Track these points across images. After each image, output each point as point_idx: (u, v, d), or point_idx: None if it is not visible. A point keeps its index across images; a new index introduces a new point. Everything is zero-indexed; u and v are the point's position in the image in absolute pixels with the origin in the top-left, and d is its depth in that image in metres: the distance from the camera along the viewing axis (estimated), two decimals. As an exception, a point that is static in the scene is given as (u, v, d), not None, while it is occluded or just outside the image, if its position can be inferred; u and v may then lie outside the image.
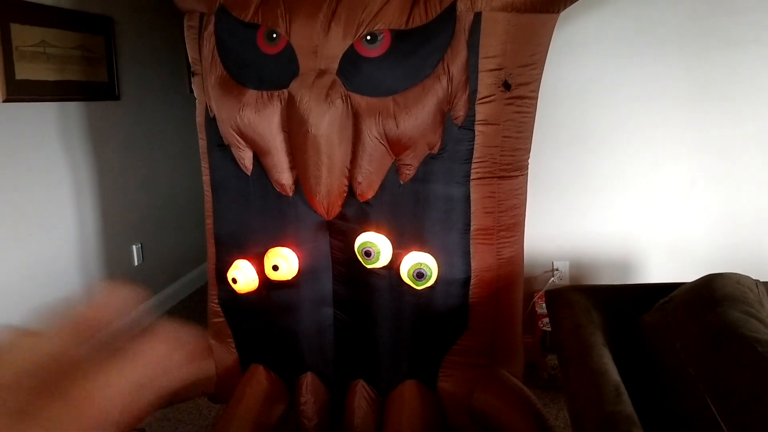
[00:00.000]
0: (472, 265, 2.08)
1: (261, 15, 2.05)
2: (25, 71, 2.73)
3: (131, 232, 3.64)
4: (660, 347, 1.70)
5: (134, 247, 3.65)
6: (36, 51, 2.81)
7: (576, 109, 2.75)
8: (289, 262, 2.14)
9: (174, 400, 2.35)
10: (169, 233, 4.07)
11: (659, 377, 1.64)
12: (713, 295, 1.66)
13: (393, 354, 2.18)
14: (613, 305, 1.94)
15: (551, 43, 2.07)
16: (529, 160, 2.18)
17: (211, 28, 2.13)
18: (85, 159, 3.21)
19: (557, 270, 2.90)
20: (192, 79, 2.30)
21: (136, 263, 3.67)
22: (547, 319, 2.66)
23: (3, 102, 2.63)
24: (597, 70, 2.70)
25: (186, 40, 2.28)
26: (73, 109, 3.10)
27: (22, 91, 2.73)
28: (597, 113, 2.74)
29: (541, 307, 2.77)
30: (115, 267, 3.48)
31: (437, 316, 2.11)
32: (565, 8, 1.99)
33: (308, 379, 2.26)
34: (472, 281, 2.09)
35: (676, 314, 1.71)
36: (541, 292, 2.82)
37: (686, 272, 2.23)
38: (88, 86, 3.20)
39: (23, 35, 2.72)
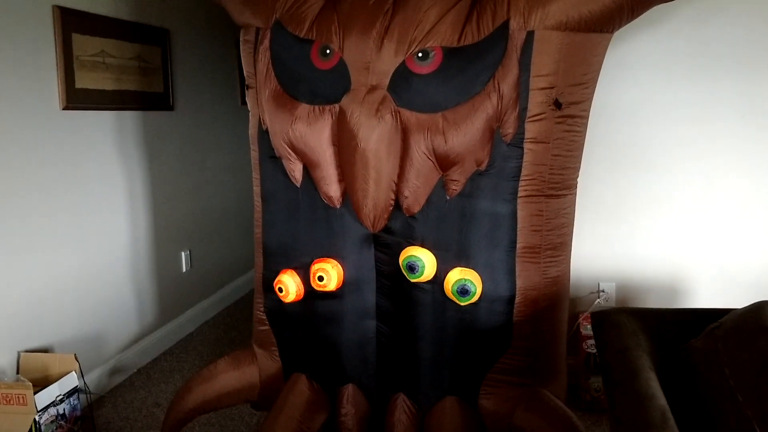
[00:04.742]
0: (517, 283, 2.07)
1: (315, 31, 2.09)
2: (84, 80, 2.83)
3: (181, 239, 3.73)
4: (708, 373, 1.67)
5: (183, 253, 3.73)
6: (95, 61, 2.91)
7: (626, 129, 2.72)
8: (333, 273, 2.17)
9: (218, 406, 2.39)
10: (217, 241, 4.15)
11: (706, 403, 1.60)
12: (764, 322, 1.62)
13: (434, 369, 2.18)
14: (660, 329, 1.91)
15: (604, 62, 2.06)
16: (579, 179, 2.16)
17: (266, 42, 2.18)
18: (139, 167, 3.31)
19: (603, 291, 2.86)
20: (246, 92, 2.35)
21: (184, 269, 3.75)
22: (591, 341, 2.62)
23: (63, 109, 2.73)
24: (649, 90, 2.67)
25: (241, 54, 2.34)
26: (129, 118, 3.20)
27: (81, 100, 2.83)
28: (647, 133, 2.70)
29: (586, 329, 2.74)
30: (164, 273, 3.56)
31: (480, 333, 2.10)
32: (619, 28, 1.98)
33: (349, 391, 2.28)
34: (517, 299, 2.08)
35: (725, 340, 1.68)
36: (586, 314, 2.79)
37: (736, 298, 2.18)
38: (144, 96, 3.29)
39: (84, 45, 2.82)
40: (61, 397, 2.50)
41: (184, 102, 3.68)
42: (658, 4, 1.93)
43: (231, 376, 2.38)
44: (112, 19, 3.02)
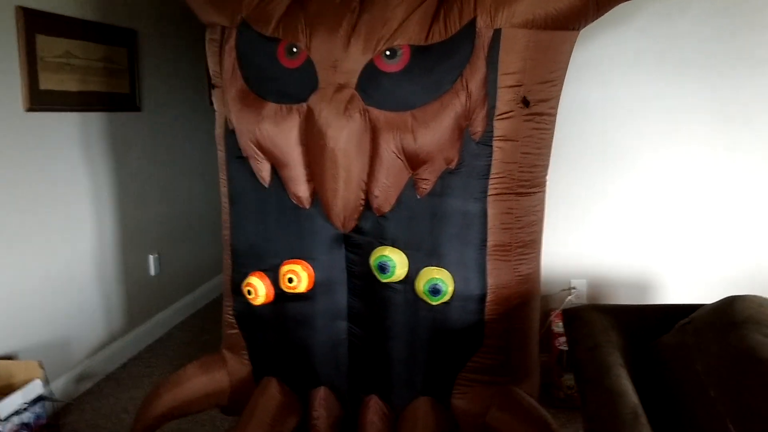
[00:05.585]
0: (488, 281, 2.06)
1: (282, 29, 2.06)
2: (48, 81, 2.77)
3: (149, 242, 3.67)
4: (679, 369, 1.68)
5: (151, 257, 3.67)
6: (60, 62, 2.85)
7: (596, 127, 2.73)
8: (304, 274, 2.14)
9: (187, 411, 2.35)
10: (186, 244, 4.09)
11: (678, 399, 1.61)
12: (735, 317, 1.63)
13: (407, 370, 2.17)
14: (631, 326, 1.91)
15: (571, 60, 2.07)
16: (548, 177, 2.16)
17: (232, 41, 2.15)
18: (105, 169, 3.25)
19: (574, 288, 2.87)
20: (212, 91, 2.32)
21: (153, 273, 3.69)
22: (563, 338, 2.63)
23: (26, 111, 2.67)
24: (617, 88, 2.68)
25: (207, 53, 2.30)
26: (94, 119, 3.14)
27: (45, 101, 2.77)
28: (616, 131, 2.72)
29: (558, 326, 2.74)
30: (132, 276, 3.50)
31: (452, 333, 2.09)
32: (585, 25, 1.99)
33: (321, 394, 2.25)
34: (488, 298, 2.07)
35: (696, 336, 1.69)
36: (558, 311, 2.80)
37: (706, 293, 2.20)
38: (110, 97, 3.24)
39: (48, 46, 2.76)
40: (25, 405, 2.44)
41: (151, 103, 3.62)
42: (624, 1, 1.94)
43: (200, 380, 2.34)
44: (78, 19, 2.96)
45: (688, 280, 2.78)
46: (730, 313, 1.65)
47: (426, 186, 2.02)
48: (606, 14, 1.98)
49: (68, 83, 2.91)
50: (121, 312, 3.43)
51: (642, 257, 2.80)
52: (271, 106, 2.07)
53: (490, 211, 2.03)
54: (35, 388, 2.51)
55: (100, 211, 3.22)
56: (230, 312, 2.39)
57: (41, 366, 2.56)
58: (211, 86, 2.32)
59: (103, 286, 3.28)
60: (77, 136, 3.03)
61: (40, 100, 2.73)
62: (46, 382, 2.58)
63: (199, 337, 3.78)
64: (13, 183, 2.65)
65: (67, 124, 2.96)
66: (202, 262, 4.30)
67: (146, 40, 3.54)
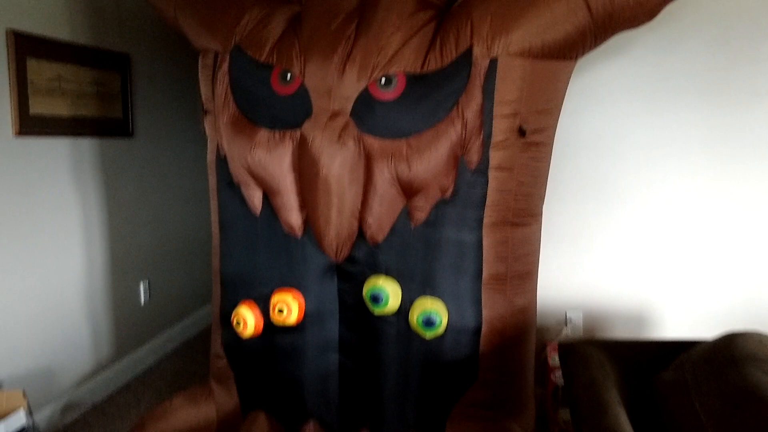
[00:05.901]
0: (483, 313, 2.02)
1: (276, 55, 2.05)
2: (39, 106, 2.74)
3: (139, 269, 3.61)
4: (678, 406, 1.64)
5: (141, 284, 3.62)
6: (51, 86, 2.82)
7: (592, 158, 2.71)
8: (294, 305, 2.10)
9: (172, 445, 2.29)
10: (177, 272, 4.03)
11: (677, 438, 1.57)
12: (734, 354, 1.59)
13: (399, 403, 2.11)
14: (628, 361, 1.87)
15: (567, 90, 2.05)
16: (544, 208, 2.13)
17: (225, 67, 2.13)
18: (95, 195, 3.20)
19: (570, 320, 2.82)
20: (204, 117, 2.29)
21: (142, 301, 3.63)
22: (559, 372, 2.58)
23: (16, 136, 2.64)
24: (613, 119, 2.67)
25: (200, 78, 2.28)
26: (86, 145, 3.11)
27: (35, 126, 2.73)
28: (613, 162, 2.70)
29: (554, 359, 2.69)
30: (121, 304, 3.44)
31: (446, 366, 2.04)
32: (582, 55, 1.97)
33: (311, 428, 2.20)
34: (483, 330, 2.03)
35: (695, 373, 1.65)
36: (553, 343, 2.75)
37: (704, 328, 2.16)
38: (102, 122, 3.20)
39: (39, 70, 2.73)
40: (6, 437, 2.37)
41: (144, 128, 3.59)
42: (620, 31, 1.93)
43: (187, 412, 2.28)
44: (70, 44, 2.94)
45: (684, 312, 2.73)
46: (730, 349, 1.61)
47: (420, 215, 1.99)
48: (603, 44, 1.97)
49: (59, 108, 2.88)
50: (110, 340, 3.36)
51: (638, 289, 2.76)
52: (263, 133, 2.04)
53: (486, 241, 1.99)
54: (18, 419, 2.44)
55: (89, 237, 3.17)
56: (219, 342, 2.34)
57: (25, 395, 2.48)
58: (203, 111, 2.29)
59: (92, 313, 3.21)
60: (68, 161, 2.99)
61: (30, 125, 2.70)
62: (30, 412, 2.50)
63: (190, 367, 3.71)
64: (1, 209, 2.60)
65: (57, 150, 2.92)
66: (193, 289, 4.24)
67: (140, 64, 3.53)
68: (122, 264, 3.43)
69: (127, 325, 3.49)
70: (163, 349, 3.87)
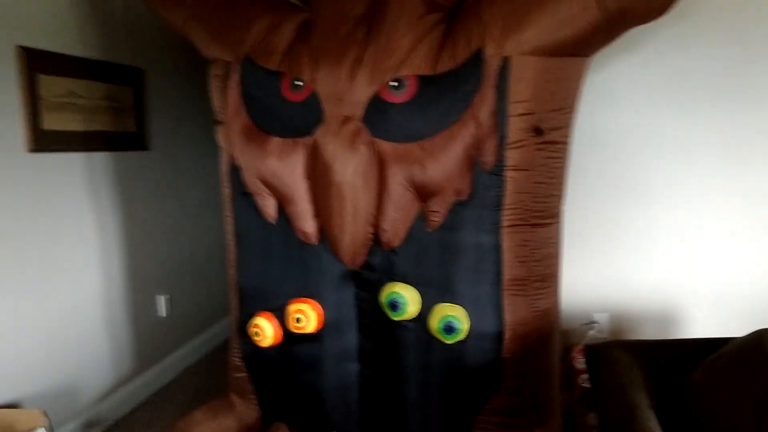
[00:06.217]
0: (505, 318, 1.97)
1: (286, 63, 2.03)
2: (52, 122, 2.74)
3: (158, 283, 3.60)
4: (708, 408, 1.59)
5: (161, 297, 3.61)
6: (63, 101, 2.82)
7: (614, 157, 2.66)
8: (312, 314, 2.07)
9: (193, 459, 2.27)
10: (196, 284, 4.02)
11: (710, 442, 1.51)
12: (765, 351, 1.54)
13: (422, 413, 2.07)
14: (657, 362, 1.82)
15: (585, 89, 2.00)
16: (566, 208, 2.09)
17: (236, 76, 2.12)
18: (112, 209, 3.20)
19: (596, 322, 2.76)
20: (217, 128, 2.28)
21: (163, 314, 3.62)
22: (586, 375, 2.52)
23: (29, 152, 2.64)
24: (635, 118, 2.62)
25: (211, 89, 2.27)
26: (100, 159, 3.11)
27: (49, 142, 2.73)
28: (635, 161, 2.65)
29: (580, 363, 2.63)
30: (141, 318, 3.43)
31: (468, 373, 2.00)
32: (595, 52, 1.93)
33: (333, 439, 2.16)
34: (506, 335, 1.98)
35: (725, 373, 1.60)
36: (579, 346, 2.69)
37: (733, 326, 2.10)
38: (116, 137, 3.21)
39: (51, 86, 2.74)
40: (27, 456, 2.36)
41: (158, 141, 3.59)
42: (633, 27, 1.88)
43: (208, 427, 2.26)
44: (82, 59, 2.94)
45: (713, 312, 2.67)
46: (760, 347, 1.56)
47: (436, 219, 1.95)
48: (618, 40, 1.92)
49: (72, 123, 2.88)
50: (130, 355, 3.36)
51: (665, 289, 2.70)
52: (276, 141, 2.02)
53: (505, 244, 1.94)
54: (38, 438, 2.43)
55: (107, 251, 3.17)
56: (237, 354, 2.32)
57: (45, 415, 2.48)
58: (216, 122, 2.28)
59: (111, 328, 3.21)
60: (82, 176, 2.99)
61: (43, 141, 2.69)
62: (51, 430, 2.49)
63: (212, 380, 3.69)
64: (16, 226, 2.60)
65: (71, 165, 2.92)
66: (214, 301, 4.23)
67: (153, 78, 3.53)
68: (140, 278, 3.43)
69: (147, 339, 3.49)
70: (185, 361, 3.86)
